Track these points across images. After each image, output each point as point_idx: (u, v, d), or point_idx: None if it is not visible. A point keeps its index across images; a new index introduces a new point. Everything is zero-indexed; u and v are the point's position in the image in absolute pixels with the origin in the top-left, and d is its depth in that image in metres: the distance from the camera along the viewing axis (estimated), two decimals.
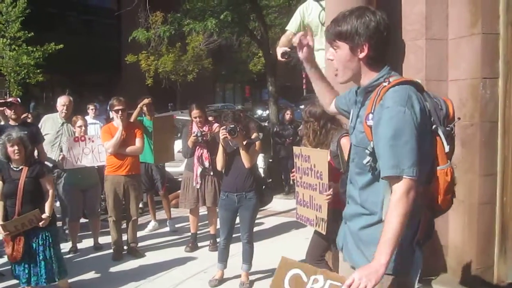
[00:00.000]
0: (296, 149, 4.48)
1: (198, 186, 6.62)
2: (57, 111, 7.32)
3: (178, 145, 10.36)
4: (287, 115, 11.10)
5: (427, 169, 2.32)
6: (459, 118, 2.56)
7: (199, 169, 6.58)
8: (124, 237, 6.69)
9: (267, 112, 16.60)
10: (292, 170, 4.56)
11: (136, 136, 6.45)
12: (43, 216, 4.87)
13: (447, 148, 2.34)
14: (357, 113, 2.47)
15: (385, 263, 2.17)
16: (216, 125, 6.96)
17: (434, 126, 2.34)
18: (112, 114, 6.80)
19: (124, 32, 22.24)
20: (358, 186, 2.46)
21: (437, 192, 2.35)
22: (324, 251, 4.34)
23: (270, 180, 11.10)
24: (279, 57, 4.92)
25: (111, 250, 6.60)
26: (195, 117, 6.57)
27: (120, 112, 6.28)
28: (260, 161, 10.07)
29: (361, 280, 2.14)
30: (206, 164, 6.57)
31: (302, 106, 24.55)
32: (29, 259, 4.86)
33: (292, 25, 5.17)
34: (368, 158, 2.32)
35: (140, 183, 6.84)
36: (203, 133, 6.48)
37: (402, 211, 2.18)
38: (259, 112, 27.32)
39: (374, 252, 2.25)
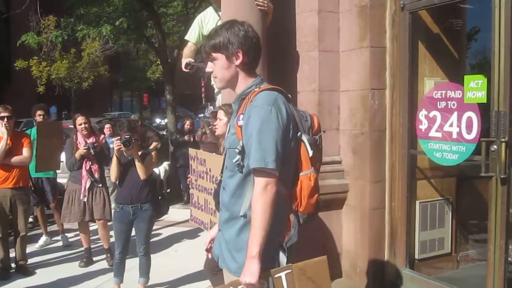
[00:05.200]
0: (191, 151, 4.48)
1: (85, 200, 6.40)
2: None
3: None
4: (186, 126, 11.01)
5: (291, 171, 2.53)
6: (324, 131, 2.82)
7: (88, 183, 6.37)
8: (12, 254, 6.28)
9: (166, 120, 16.41)
10: (189, 175, 4.52)
11: (24, 146, 6.09)
12: None
13: (310, 153, 2.54)
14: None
15: (256, 255, 2.33)
16: (103, 136, 6.82)
17: (299, 133, 2.55)
18: None
19: (13, 36, 21.05)
20: (230, 190, 2.58)
21: (300, 195, 2.53)
22: None
23: (169, 190, 10.96)
24: (183, 69, 4.86)
25: None
26: (80, 124, 6.38)
27: (5, 120, 5.91)
28: (162, 170, 9.93)
29: (245, 283, 2.35)
30: (96, 176, 6.38)
31: (201, 115, 24.55)
32: None
33: (191, 35, 5.14)
34: (237, 157, 2.47)
35: (29, 196, 6.46)
36: (94, 144, 6.27)
37: (264, 202, 2.35)
38: (158, 120, 27.01)
39: (244, 256, 2.40)
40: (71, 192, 6.54)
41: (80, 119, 6.41)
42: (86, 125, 6.41)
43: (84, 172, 6.37)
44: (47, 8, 17.71)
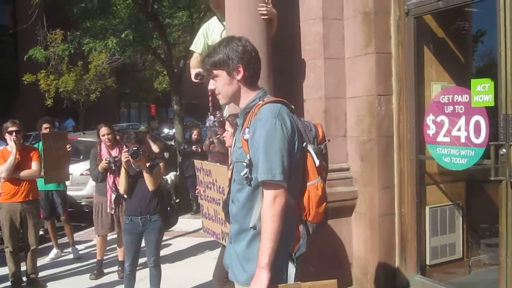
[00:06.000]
0: (197, 163, 4.51)
1: (112, 212, 6.40)
2: None
3: (80, 167, 10.04)
4: (194, 136, 11.01)
5: (299, 182, 2.56)
6: (329, 140, 2.86)
7: (113, 195, 6.34)
8: (23, 268, 6.29)
9: (174, 130, 16.44)
10: (197, 186, 4.54)
11: (32, 160, 6.11)
12: None
13: (317, 162, 2.58)
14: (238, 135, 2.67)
15: (265, 266, 2.36)
16: None
17: (304, 144, 2.58)
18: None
19: (21, 51, 21.15)
20: (239, 203, 2.61)
21: (308, 205, 2.56)
22: None
23: (178, 200, 10.97)
24: (193, 79, 4.87)
25: (9, 283, 6.17)
26: (104, 135, 6.35)
27: (14, 134, 5.94)
28: (168, 180, 9.96)
29: None
30: None
31: (207, 125, 24.58)
32: None
33: (196, 46, 5.15)
34: (245, 170, 2.50)
35: (38, 209, 6.47)
36: (115, 159, 6.24)
37: (273, 213, 2.38)
38: (166, 130, 27.04)
39: (254, 266, 2.43)
40: (98, 205, 6.56)
41: (103, 130, 6.38)
42: (110, 136, 6.38)
43: (108, 186, 6.36)
44: (54, 22, 17.82)
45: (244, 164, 2.50)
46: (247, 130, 2.53)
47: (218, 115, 4.96)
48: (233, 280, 2.70)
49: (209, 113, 5.23)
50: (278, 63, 4.67)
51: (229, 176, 3.89)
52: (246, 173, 2.50)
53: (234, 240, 2.68)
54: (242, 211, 2.59)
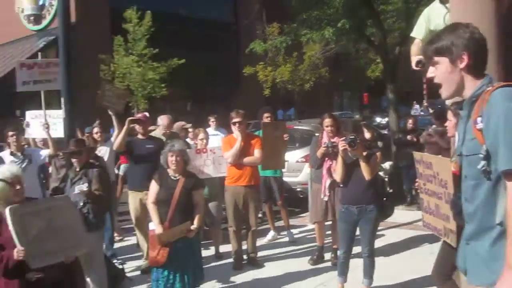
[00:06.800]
0: (416, 155, 4.37)
1: (326, 199, 6.48)
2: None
3: (296, 154, 10.41)
4: (410, 125, 10.60)
5: None
6: None
7: (328, 181, 6.41)
8: (244, 247, 6.78)
9: (386, 119, 16.13)
10: (417, 180, 4.40)
11: (255, 147, 6.52)
12: (192, 227, 4.98)
13: None
14: (465, 127, 2.47)
15: None
16: None
17: None
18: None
19: (242, 45, 22.80)
20: (478, 200, 2.39)
21: None
22: (452, 269, 4.02)
23: (391, 190, 10.72)
24: (413, 67, 4.74)
25: (232, 260, 6.71)
26: (327, 126, 6.43)
27: (237, 124, 6.41)
28: (385, 169, 9.79)
29: None
30: None
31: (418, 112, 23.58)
32: (172, 265, 4.91)
33: (417, 32, 4.96)
34: (482, 163, 2.29)
35: (259, 194, 6.89)
36: (333, 143, 6.31)
37: None
38: (378, 119, 26.74)
39: (501, 265, 2.20)
40: (314, 192, 6.75)
41: (327, 121, 6.45)
42: (333, 128, 6.42)
43: (324, 172, 6.47)
44: (271, 16, 18.80)
45: (481, 156, 2.28)
46: (479, 119, 2.31)
47: (425, 104, 4.71)
48: (473, 284, 2.48)
49: (414, 102, 5.01)
50: (508, 44, 4.25)
51: (453, 169, 3.66)
52: (484, 166, 2.28)
53: (473, 241, 2.47)
54: (483, 209, 2.37)
